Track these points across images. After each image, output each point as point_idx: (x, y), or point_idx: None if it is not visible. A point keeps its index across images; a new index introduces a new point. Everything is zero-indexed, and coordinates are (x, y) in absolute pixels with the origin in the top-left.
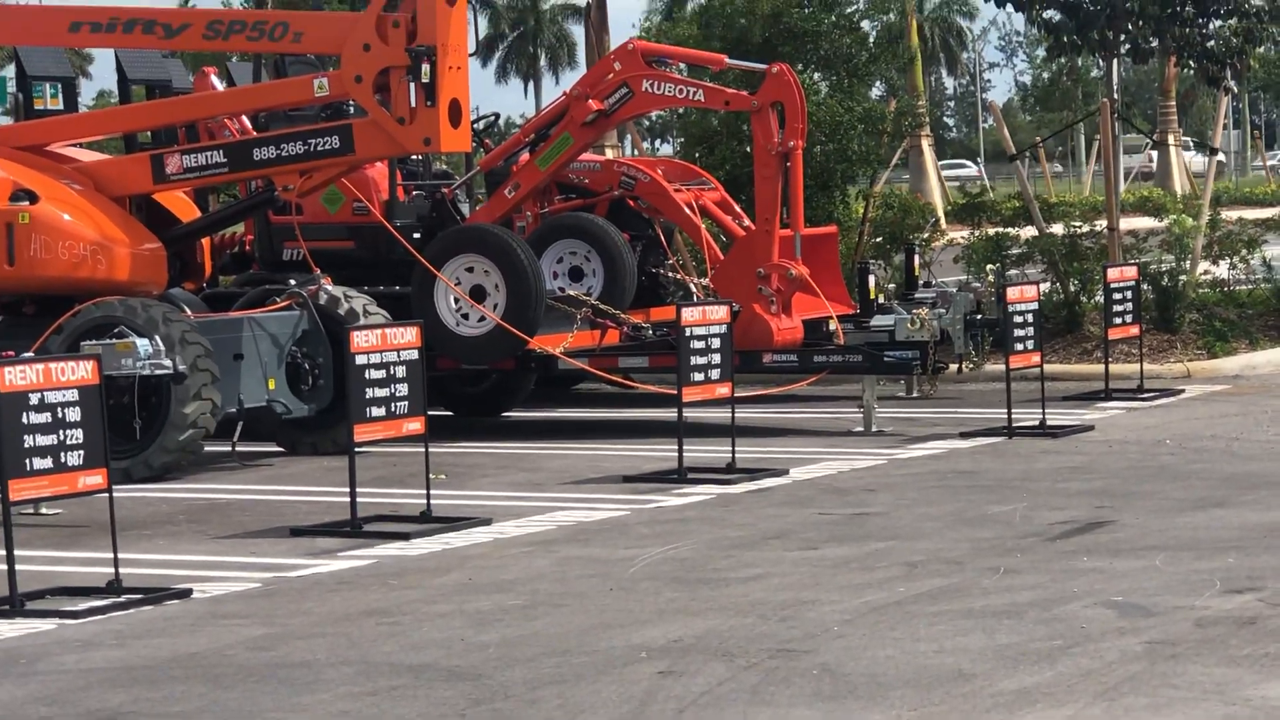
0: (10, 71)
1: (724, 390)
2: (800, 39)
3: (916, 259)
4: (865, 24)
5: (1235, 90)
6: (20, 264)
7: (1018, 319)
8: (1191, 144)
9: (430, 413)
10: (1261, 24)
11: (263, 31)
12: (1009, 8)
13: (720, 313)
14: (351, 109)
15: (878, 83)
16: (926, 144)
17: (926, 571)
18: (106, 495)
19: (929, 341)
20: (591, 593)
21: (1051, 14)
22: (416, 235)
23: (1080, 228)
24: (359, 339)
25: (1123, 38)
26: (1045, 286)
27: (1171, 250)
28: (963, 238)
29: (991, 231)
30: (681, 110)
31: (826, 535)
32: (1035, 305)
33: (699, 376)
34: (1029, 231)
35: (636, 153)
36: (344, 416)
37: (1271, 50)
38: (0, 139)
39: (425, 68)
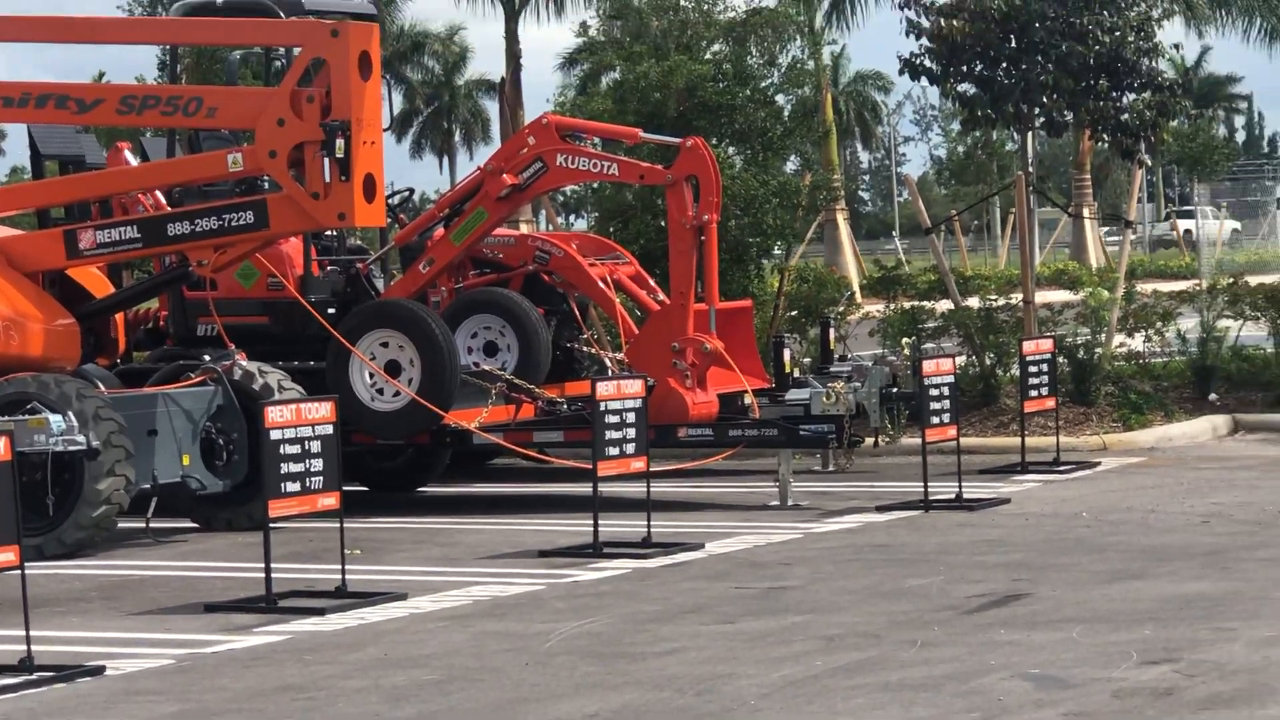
0: None
1: (639, 464)
2: (715, 113)
3: (832, 333)
4: (780, 98)
5: (1149, 163)
6: None
7: (934, 392)
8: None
9: (345, 488)
10: (1174, 98)
11: (177, 106)
12: (923, 81)
13: (635, 387)
14: (266, 184)
15: (793, 156)
16: (842, 218)
17: (843, 645)
18: (19, 572)
19: (845, 415)
20: (507, 667)
21: (966, 88)
22: (331, 310)
23: (996, 301)
24: (274, 414)
25: (1037, 111)
26: (961, 360)
27: (1087, 323)
28: (878, 311)
29: (907, 305)
30: (596, 184)
31: (743, 609)
32: (951, 378)
33: (614, 451)
34: (945, 305)
35: (551, 227)
36: (259, 492)
37: (1184, 124)
38: None
39: (340, 143)
